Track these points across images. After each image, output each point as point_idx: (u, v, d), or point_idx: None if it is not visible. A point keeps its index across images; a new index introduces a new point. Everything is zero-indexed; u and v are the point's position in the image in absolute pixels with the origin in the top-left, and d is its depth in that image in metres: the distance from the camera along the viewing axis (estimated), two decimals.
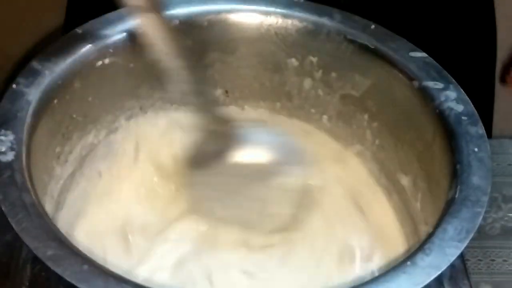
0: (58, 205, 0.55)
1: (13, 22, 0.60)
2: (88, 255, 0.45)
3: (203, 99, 0.54)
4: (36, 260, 0.46)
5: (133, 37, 0.56)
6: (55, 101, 0.53)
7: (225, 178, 0.54)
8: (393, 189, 0.58)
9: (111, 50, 0.56)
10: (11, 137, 0.49)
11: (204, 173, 0.55)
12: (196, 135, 0.55)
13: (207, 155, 0.54)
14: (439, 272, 0.45)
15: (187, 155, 0.55)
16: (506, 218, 0.64)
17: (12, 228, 0.46)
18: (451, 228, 0.47)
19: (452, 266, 0.46)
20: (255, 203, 0.54)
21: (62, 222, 0.54)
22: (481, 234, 0.62)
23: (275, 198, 0.54)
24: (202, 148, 0.54)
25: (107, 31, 0.56)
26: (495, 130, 0.73)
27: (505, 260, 0.62)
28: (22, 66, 0.53)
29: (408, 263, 0.46)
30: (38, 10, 0.62)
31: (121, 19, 0.56)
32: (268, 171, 0.54)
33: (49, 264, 0.44)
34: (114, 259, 0.54)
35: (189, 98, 0.53)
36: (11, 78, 0.53)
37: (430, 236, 0.47)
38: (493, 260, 0.62)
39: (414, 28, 0.61)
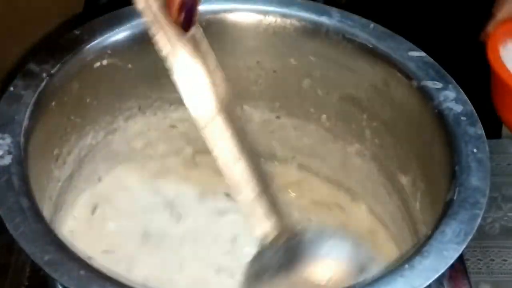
0: (57, 207, 0.55)
1: (11, 23, 0.60)
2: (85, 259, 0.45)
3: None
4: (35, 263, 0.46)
5: (131, 38, 0.56)
6: (53, 103, 0.53)
7: None
8: (392, 188, 0.58)
9: (109, 51, 0.55)
10: (8, 140, 0.49)
11: None
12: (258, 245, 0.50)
13: (269, 269, 0.49)
14: (437, 275, 0.45)
15: (248, 268, 0.50)
16: (505, 218, 0.64)
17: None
18: (449, 230, 0.47)
19: (451, 266, 0.46)
20: None
21: (60, 224, 0.54)
22: (480, 233, 0.62)
23: None
24: (263, 261, 0.49)
25: (105, 33, 0.55)
26: (495, 130, 0.73)
27: (504, 260, 0.61)
28: (19, 68, 0.53)
29: (406, 266, 0.45)
30: (36, 12, 0.62)
31: (119, 20, 0.56)
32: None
33: (46, 269, 0.44)
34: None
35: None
36: (8, 80, 0.53)
37: (428, 238, 0.47)
38: (492, 260, 0.61)
39: (418, 27, 0.61)
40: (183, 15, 0.46)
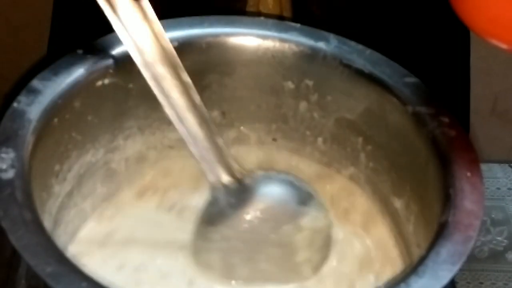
0: (56, 223, 0.55)
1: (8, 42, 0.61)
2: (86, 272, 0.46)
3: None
4: (31, 276, 0.46)
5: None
6: (55, 120, 0.53)
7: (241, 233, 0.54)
8: (386, 211, 0.59)
9: (111, 71, 0.56)
10: (12, 154, 0.50)
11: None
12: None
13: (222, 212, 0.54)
14: None
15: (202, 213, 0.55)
16: (494, 242, 0.65)
17: (8, 245, 0.46)
18: (444, 251, 0.48)
19: (445, 286, 0.47)
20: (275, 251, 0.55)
21: (59, 239, 0.55)
22: (470, 257, 0.62)
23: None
24: (216, 205, 0.55)
25: (108, 52, 0.56)
26: (484, 155, 0.74)
27: (493, 283, 0.62)
28: (22, 84, 0.54)
29: (402, 284, 0.46)
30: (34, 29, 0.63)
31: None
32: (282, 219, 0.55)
33: (49, 281, 0.44)
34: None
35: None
36: (11, 95, 0.54)
37: (423, 258, 0.48)
38: (481, 283, 0.62)
39: (409, 54, 0.62)
40: None
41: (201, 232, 0.55)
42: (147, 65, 0.52)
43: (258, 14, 0.67)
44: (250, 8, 0.67)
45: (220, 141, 0.54)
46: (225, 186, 0.54)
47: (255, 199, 0.54)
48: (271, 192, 0.55)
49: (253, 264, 0.54)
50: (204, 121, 0.54)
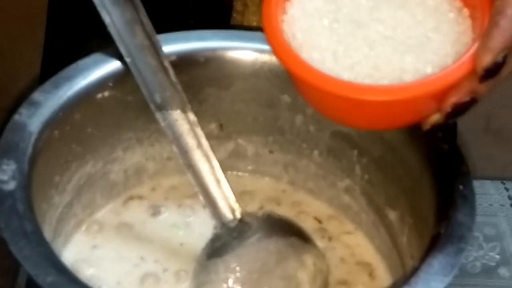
0: (56, 233, 0.56)
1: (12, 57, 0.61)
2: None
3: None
4: (32, 285, 0.47)
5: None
6: (56, 132, 0.54)
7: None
8: (380, 223, 0.60)
9: (111, 84, 0.57)
10: (13, 166, 0.51)
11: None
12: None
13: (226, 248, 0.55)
14: None
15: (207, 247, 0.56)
16: (487, 257, 0.66)
17: (8, 255, 0.47)
18: (436, 262, 0.49)
19: None
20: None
21: (59, 250, 0.56)
22: (462, 272, 0.64)
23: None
24: (220, 241, 0.56)
25: (108, 65, 0.57)
26: (478, 172, 0.75)
27: None
28: (24, 97, 0.55)
29: None
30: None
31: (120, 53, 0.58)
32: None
33: None
34: None
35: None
36: (14, 108, 0.55)
37: (415, 270, 0.49)
38: None
39: None
40: None
41: (204, 266, 0.55)
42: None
43: (243, 27, 0.68)
44: (234, 21, 0.68)
45: (224, 183, 0.56)
46: (228, 224, 0.56)
47: (258, 232, 0.56)
48: (273, 227, 0.57)
49: None
50: (213, 169, 0.56)
